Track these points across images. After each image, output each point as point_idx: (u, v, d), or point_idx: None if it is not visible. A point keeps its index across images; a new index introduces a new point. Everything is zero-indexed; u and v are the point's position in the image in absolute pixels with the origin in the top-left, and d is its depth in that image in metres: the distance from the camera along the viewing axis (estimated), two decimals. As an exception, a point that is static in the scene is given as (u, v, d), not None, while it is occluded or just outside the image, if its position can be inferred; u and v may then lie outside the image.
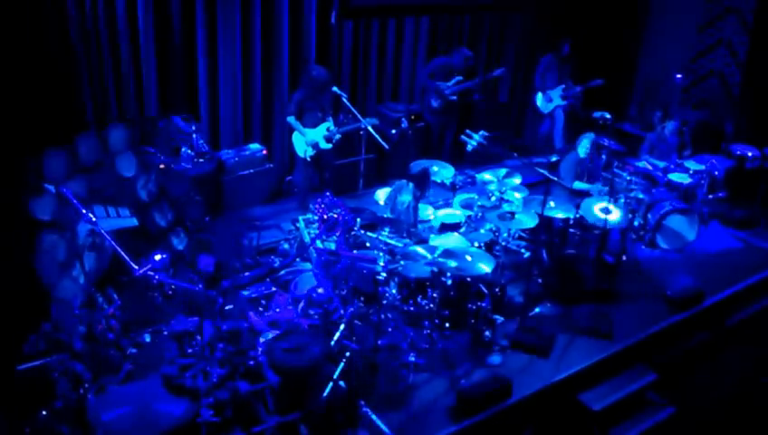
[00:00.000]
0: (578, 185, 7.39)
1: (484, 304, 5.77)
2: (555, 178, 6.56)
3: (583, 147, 7.33)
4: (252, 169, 7.46)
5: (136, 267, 4.71)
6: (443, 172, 7.08)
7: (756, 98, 9.36)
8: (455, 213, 6.78)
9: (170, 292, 5.24)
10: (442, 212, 6.83)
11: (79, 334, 5.03)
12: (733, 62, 9.70)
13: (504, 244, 6.41)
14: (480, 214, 6.64)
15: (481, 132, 7.16)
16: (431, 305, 5.67)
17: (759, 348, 6.83)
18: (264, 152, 7.60)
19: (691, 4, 9.86)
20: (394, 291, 5.83)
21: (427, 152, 8.32)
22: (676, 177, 7.84)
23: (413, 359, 5.42)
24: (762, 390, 6.39)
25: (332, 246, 6.14)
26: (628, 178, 7.35)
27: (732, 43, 9.62)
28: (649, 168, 7.95)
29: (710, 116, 9.56)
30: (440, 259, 5.58)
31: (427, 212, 6.72)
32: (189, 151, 6.96)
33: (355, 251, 6.03)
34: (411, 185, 6.35)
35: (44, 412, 4.62)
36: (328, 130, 7.34)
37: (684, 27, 9.92)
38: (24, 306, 5.20)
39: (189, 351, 4.94)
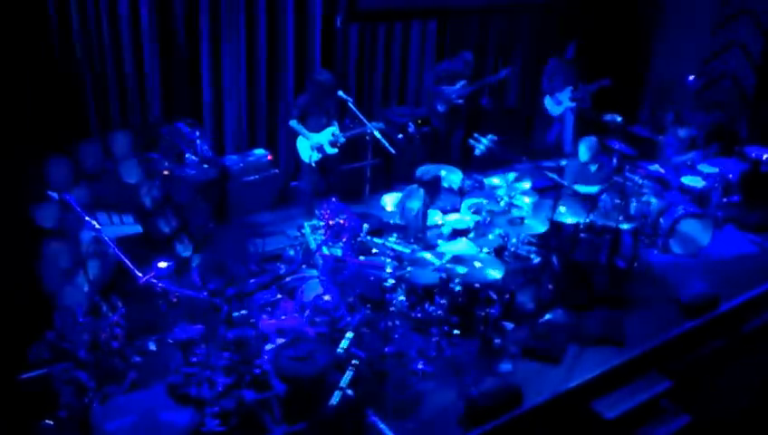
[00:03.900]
0: (579, 188, 7.26)
1: (493, 311, 5.68)
2: (565, 183, 6.46)
3: (584, 151, 7.20)
4: (257, 174, 7.39)
5: (140, 275, 4.67)
6: (451, 177, 7.00)
7: (771, 99, 9.25)
8: (463, 218, 6.69)
9: (175, 299, 5.18)
10: (450, 217, 6.74)
11: (83, 343, 4.99)
12: (746, 64, 9.57)
13: (513, 249, 6.31)
14: (489, 219, 6.55)
15: (489, 136, 7.08)
16: (439, 312, 5.58)
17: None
18: (269, 158, 7.54)
19: (704, 5, 9.74)
20: (402, 298, 5.75)
21: (433, 157, 8.24)
22: (689, 180, 7.72)
23: (421, 367, 5.36)
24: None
25: (339, 253, 6.07)
26: (640, 181, 7.23)
27: (746, 45, 9.49)
28: (662, 171, 7.83)
29: (724, 118, 9.43)
30: (449, 265, 5.50)
31: (435, 218, 6.63)
32: (193, 157, 6.91)
33: (362, 257, 5.96)
34: (422, 191, 6.28)
35: (48, 422, 4.58)
36: (333, 134, 7.28)
37: (697, 28, 9.82)
38: (28, 314, 5.16)
39: (194, 359, 4.88)
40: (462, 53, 8.62)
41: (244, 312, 5.18)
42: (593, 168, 7.19)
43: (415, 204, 6.23)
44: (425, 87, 8.81)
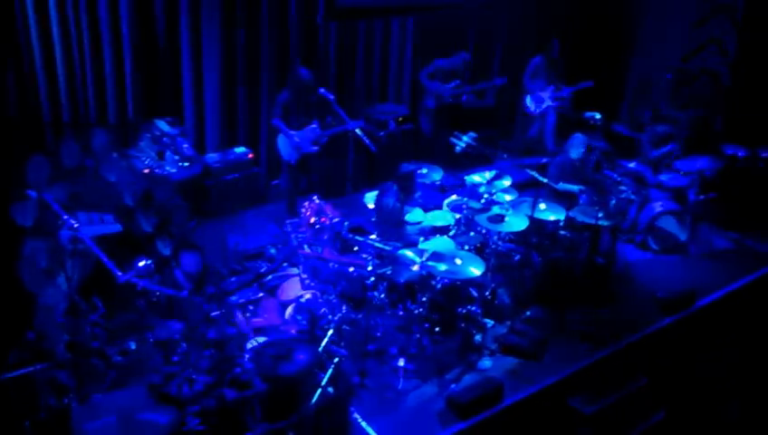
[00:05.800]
0: (563, 186, 7.32)
1: (474, 308, 5.72)
2: (545, 180, 6.51)
3: (575, 148, 7.27)
4: (238, 172, 7.38)
5: (120, 274, 4.65)
6: (432, 175, 7.02)
7: (746, 96, 9.35)
8: (444, 216, 6.71)
9: (155, 299, 5.16)
10: (431, 215, 6.76)
11: (63, 343, 4.96)
12: (723, 61, 9.68)
13: (493, 247, 6.36)
14: (469, 216, 6.58)
15: (470, 133, 7.11)
16: (420, 310, 5.61)
17: (750, 350, 6.80)
18: (250, 156, 7.53)
19: (682, 3, 9.83)
20: (383, 295, 5.77)
21: (416, 154, 8.26)
22: (667, 177, 7.81)
23: (402, 364, 5.38)
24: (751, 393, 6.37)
25: (320, 251, 6.08)
26: (619, 178, 7.30)
27: (722, 42, 9.59)
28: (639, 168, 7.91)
29: (701, 115, 9.54)
30: (429, 263, 5.52)
31: (416, 215, 6.65)
32: (174, 155, 6.88)
33: (343, 255, 5.98)
34: (395, 187, 6.28)
35: (28, 423, 4.55)
36: (314, 132, 7.28)
37: (675, 26, 9.90)
38: (8, 315, 5.12)
39: (175, 358, 4.88)
40: (461, 52, 8.64)
41: (224, 310, 5.18)
42: (578, 164, 7.27)
43: (389, 201, 6.24)
44: (410, 82, 8.81)
